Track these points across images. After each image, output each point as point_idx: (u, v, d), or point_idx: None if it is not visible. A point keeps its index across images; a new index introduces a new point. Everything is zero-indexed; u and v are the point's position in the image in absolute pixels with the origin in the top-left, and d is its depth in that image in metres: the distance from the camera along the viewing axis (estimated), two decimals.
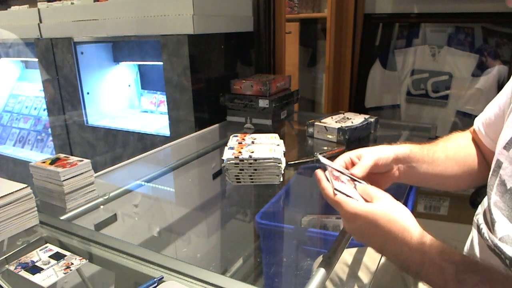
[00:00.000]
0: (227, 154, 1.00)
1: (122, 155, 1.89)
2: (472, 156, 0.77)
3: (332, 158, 0.71)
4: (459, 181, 0.78)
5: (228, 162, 0.99)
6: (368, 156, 0.69)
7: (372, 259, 0.87)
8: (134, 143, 1.82)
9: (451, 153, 0.76)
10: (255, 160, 0.98)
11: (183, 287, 0.58)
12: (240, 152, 1.00)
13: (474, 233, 0.66)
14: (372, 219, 0.55)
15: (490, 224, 0.59)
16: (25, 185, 0.76)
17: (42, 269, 0.66)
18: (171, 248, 1.02)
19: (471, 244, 0.68)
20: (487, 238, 0.59)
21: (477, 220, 0.65)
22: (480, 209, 0.66)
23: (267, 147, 1.04)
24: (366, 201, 0.59)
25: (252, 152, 1.00)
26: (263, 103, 1.54)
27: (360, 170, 0.66)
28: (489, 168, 0.71)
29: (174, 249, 1.09)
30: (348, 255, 0.89)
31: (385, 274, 0.87)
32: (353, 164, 0.70)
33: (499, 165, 0.60)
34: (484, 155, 0.76)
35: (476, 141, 0.78)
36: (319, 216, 1.25)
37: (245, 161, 0.98)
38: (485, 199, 0.64)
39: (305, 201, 1.30)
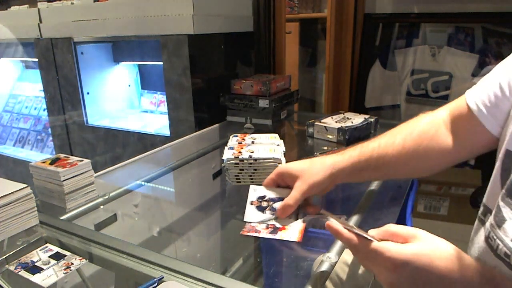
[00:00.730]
0: (227, 154, 1.00)
1: (122, 155, 1.89)
2: (439, 139, 0.72)
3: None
4: (414, 170, 0.76)
5: (228, 162, 0.99)
6: (299, 188, 0.70)
7: None
8: (134, 143, 1.82)
9: (410, 143, 0.73)
10: (255, 160, 0.98)
11: (183, 287, 0.58)
12: (240, 152, 1.00)
13: (479, 233, 0.62)
14: (425, 262, 0.46)
15: (498, 223, 0.56)
16: (25, 185, 0.76)
17: (42, 269, 0.66)
18: (171, 248, 1.01)
19: (473, 246, 0.66)
20: (494, 237, 0.56)
21: (483, 219, 0.63)
22: (482, 208, 0.64)
23: (267, 147, 1.04)
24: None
25: (252, 152, 1.00)
26: (263, 103, 1.54)
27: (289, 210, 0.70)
28: (465, 148, 0.70)
29: (174, 249, 1.09)
30: (348, 255, 0.89)
31: None
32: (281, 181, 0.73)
33: (509, 156, 0.56)
34: (471, 135, 0.70)
35: (460, 119, 0.71)
36: (319, 216, 1.25)
37: (245, 161, 0.98)
38: (491, 196, 0.60)
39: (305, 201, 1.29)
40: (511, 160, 0.55)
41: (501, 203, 0.56)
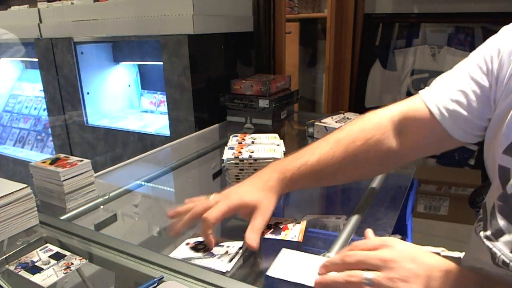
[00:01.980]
0: (227, 154, 1.00)
1: (122, 155, 1.89)
2: (379, 146, 0.72)
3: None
4: (352, 177, 0.78)
5: (228, 162, 0.98)
6: (260, 223, 0.69)
7: None
8: (134, 143, 1.82)
9: (345, 159, 0.73)
10: (255, 160, 0.98)
11: (183, 287, 0.58)
12: (240, 152, 1.00)
13: (476, 240, 0.63)
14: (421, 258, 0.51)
15: (497, 236, 0.57)
16: (25, 185, 0.76)
17: (42, 269, 0.66)
18: (171, 248, 1.02)
19: (473, 251, 0.66)
20: (489, 245, 0.57)
21: (476, 230, 0.63)
22: (481, 214, 0.64)
23: (267, 147, 1.04)
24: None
25: (252, 152, 1.00)
26: (263, 103, 1.54)
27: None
28: (414, 148, 0.71)
29: (174, 249, 1.09)
30: None
31: None
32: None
33: (504, 171, 0.57)
34: (427, 137, 0.69)
35: (417, 121, 0.69)
36: (319, 216, 1.25)
37: (245, 161, 0.98)
38: (487, 206, 0.61)
39: (305, 201, 1.29)
40: (505, 174, 0.56)
41: (497, 214, 0.57)
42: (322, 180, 0.77)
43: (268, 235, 0.72)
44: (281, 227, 0.74)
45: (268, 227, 0.74)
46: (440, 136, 0.67)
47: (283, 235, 0.72)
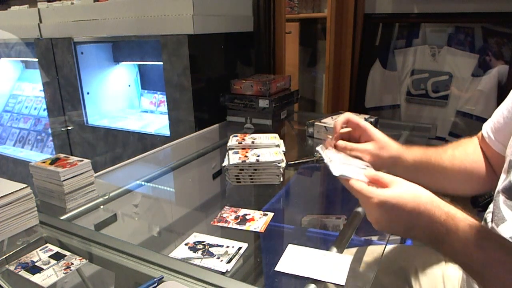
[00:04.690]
0: (234, 159, 1.00)
1: (122, 155, 1.89)
2: (478, 164, 0.78)
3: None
4: (460, 186, 0.79)
5: (235, 167, 0.99)
6: (370, 152, 0.75)
7: (373, 258, 0.87)
8: (134, 143, 1.82)
9: (457, 162, 0.78)
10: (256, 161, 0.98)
11: (183, 287, 0.58)
12: (246, 157, 1.00)
13: None
14: (397, 201, 0.56)
15: (498, 222, 0.60)
16: (25, 185, 0.76)
17: (42, 269, 0.66)
18: (171, 248, 1.02)
19: None
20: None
21: (486, 219, 0.66)
22: (490, 208, 0.67)
23: (272, 150, 1.04)
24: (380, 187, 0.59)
25: (258, 156, 1.00)
26: (263, 103, 1.54)
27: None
28: (495, 174, 0.74)
29: (174, 249, 1.09)
30: (348, 254, 0.89)
31: (386, 273, 0.87)
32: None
33: (511, 165, 0.61)
34: (491, 161, 0.77)
35: (483, 147, 0.79)
36: (319, 216, 1.25)
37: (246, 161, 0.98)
38: (495, 198, 0.64)
39: (305, 201, 1.29)
40: (511, 166, 0.60)
41: (502, 204, 0.60)
42: (431, 175, 0.80)
43: (234, 225, 0.78)
44: (247, 218, 0.79)
45: (235, 217, 0.80)
46: (497, 157, 0.73)
47: (247, 226, 0.77)
